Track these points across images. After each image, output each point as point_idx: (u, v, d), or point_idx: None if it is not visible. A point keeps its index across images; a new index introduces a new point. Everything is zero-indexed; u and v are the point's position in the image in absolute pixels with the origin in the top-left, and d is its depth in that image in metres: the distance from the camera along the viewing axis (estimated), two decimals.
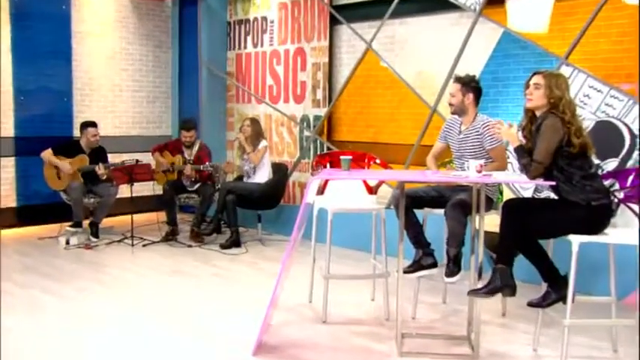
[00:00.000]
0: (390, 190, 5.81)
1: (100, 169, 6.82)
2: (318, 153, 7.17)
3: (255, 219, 7.17)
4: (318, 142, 7.33)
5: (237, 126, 7.92)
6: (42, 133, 7.47)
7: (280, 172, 7.16)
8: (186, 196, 7.17)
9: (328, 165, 5.08)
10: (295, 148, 7.62)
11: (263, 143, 6.90)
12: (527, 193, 5.46)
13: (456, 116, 4.54)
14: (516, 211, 3.72)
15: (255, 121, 7.07)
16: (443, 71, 6.06)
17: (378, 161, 5.13)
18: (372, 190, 5.03)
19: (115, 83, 8.37)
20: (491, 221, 4.16)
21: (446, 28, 6.17)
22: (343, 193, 4.92)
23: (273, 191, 6.96)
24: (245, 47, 8.14)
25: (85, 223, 6.93)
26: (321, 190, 4.97)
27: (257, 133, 6.94)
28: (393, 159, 5.98)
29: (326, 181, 4.96)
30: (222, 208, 6.72)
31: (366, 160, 5.16)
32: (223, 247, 6.64)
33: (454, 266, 4.08)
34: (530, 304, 3.82)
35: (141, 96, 8.64)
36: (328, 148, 7.11)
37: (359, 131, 7.05)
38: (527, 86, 3.77)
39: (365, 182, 5.05)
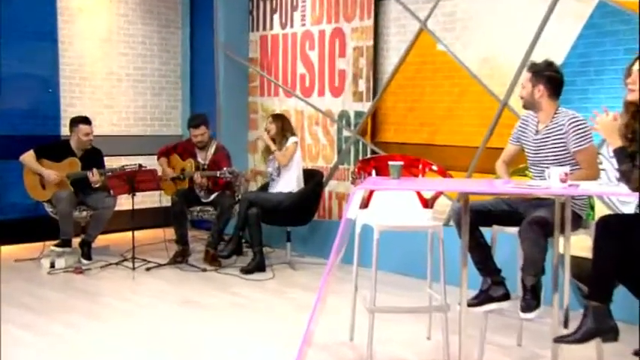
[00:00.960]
0: (450, 203, 5.75)
1: (94, 176, 6.87)
2: (361, 157, 7.17)
3: (284, 237, 7.19)
4: (361, 143, 7.32)
5: (260, 124, 7.94)
6: (22, 132, 7.59)
7: (314, 180, 7.17)
8: (200, 208, 7.19)
9: (373, 172, 5.12)
10: (332, 152, 7.62)
11: (292, 139, 6.93)
12: (628, 209, 5.32)
13: (532, 112, 4.52)
14: (615, 230, 3.63)
15: (278, 117, 7.13)
16: (516, 56, 6.02)
17: (434, 168, 5.13)
18: (427, 204, 5.00)
19: (111, 71, 8.48)
20: (579, 243, 4.09)
21: (520, 1, 6.10)
22: (392, 206, 4.90)
23: (305, 203, 6.97)
24: (271, 28, 8.18)
25: (75, 241, 6.98)
26: (364, 203, 4.95)
27: (283, 128, 6.98)
28: (454, 165, 5.99)
29: (371, 192, 4.95)
30: (244, 223, 6.75)
31: (420, 167, 5.19)
32: (245, 271, 6.67)
33: (532, 299, 4.02)
34: (638, 354, 3.72)
35: (144, 87, 8.75)
36: (373, 152, 7.10)
37: (411, 131, 7.02)
38: (629, 73, 3.71)
39: (419, 193, 5.02)
